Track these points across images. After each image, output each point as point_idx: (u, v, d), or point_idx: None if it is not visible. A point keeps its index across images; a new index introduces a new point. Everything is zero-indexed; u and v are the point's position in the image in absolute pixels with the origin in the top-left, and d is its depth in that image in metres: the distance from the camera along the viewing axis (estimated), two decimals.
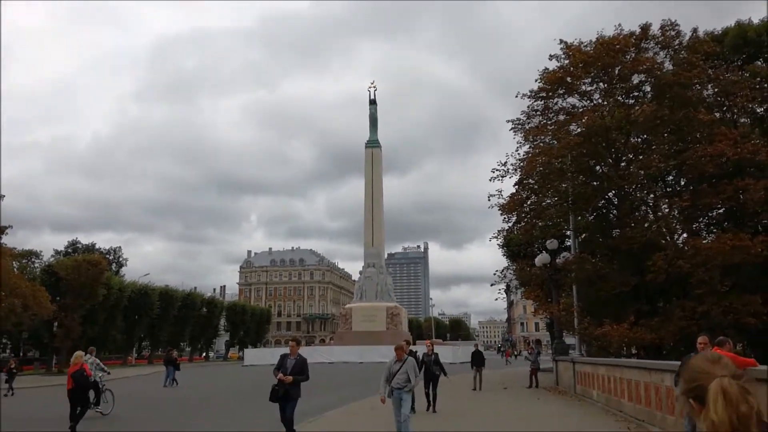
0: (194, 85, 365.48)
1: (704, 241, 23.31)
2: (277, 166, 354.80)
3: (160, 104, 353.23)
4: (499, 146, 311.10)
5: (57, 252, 75.19)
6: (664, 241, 23.64)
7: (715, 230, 25.67)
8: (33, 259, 66.54)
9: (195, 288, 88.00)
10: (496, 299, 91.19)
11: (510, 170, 26.30)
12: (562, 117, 26.41)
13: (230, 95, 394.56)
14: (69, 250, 75.41)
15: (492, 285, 31.56)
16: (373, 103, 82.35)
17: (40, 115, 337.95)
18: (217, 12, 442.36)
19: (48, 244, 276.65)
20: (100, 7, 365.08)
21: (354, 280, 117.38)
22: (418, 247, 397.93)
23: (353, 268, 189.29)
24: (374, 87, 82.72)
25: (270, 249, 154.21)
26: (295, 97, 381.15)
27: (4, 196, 39.79)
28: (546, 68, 25.85)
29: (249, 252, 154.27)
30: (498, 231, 28.80)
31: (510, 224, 27.90)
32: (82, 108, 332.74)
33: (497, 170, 26.24)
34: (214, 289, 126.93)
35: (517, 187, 27.44)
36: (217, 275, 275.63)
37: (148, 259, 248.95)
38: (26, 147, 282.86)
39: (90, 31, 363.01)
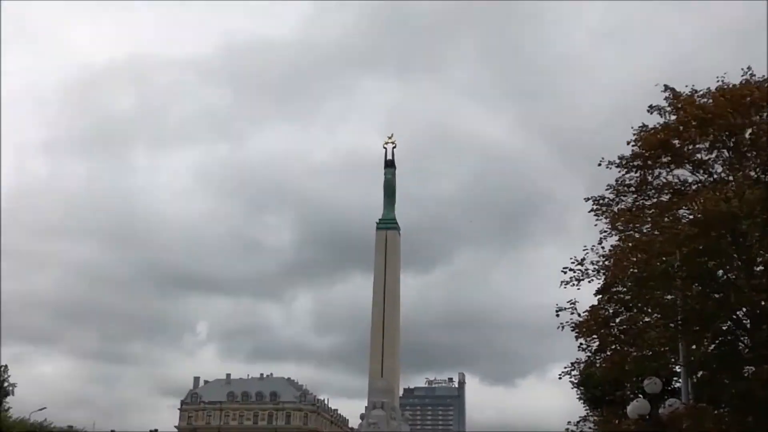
0: (127, 133, 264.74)
1: None
2: (241, 252, 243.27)
3: (77, 159, 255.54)
4: (568, 234, 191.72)
5: None
6: None
7: None
8: None
9: None
10: None
11: (590, 272, 21.49)
12: (666, 196, 21.85)
13: (177, 150, 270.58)
14: None
15: None
16: (390, 165, 65.23)
17: None
18: (168, 35, 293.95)
19: None
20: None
21: (352, 427, 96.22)
22: (450, 380, 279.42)
23: (351, 408, 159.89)
24: (393, 143, 65.87)
25: (228, 376, 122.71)
26: (272, 154, 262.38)
27: None
28: (644, 125, 21.08)
29: (196, 380, 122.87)
30: (572, 363, 24.30)
31: (589, 353, 23.05)
32: None
33: (570, 270, 21.41)
34: None
35: (599, 297, 22.44)
36: (147, 413, 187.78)
37: (45, 385, 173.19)
38: None
39: None
